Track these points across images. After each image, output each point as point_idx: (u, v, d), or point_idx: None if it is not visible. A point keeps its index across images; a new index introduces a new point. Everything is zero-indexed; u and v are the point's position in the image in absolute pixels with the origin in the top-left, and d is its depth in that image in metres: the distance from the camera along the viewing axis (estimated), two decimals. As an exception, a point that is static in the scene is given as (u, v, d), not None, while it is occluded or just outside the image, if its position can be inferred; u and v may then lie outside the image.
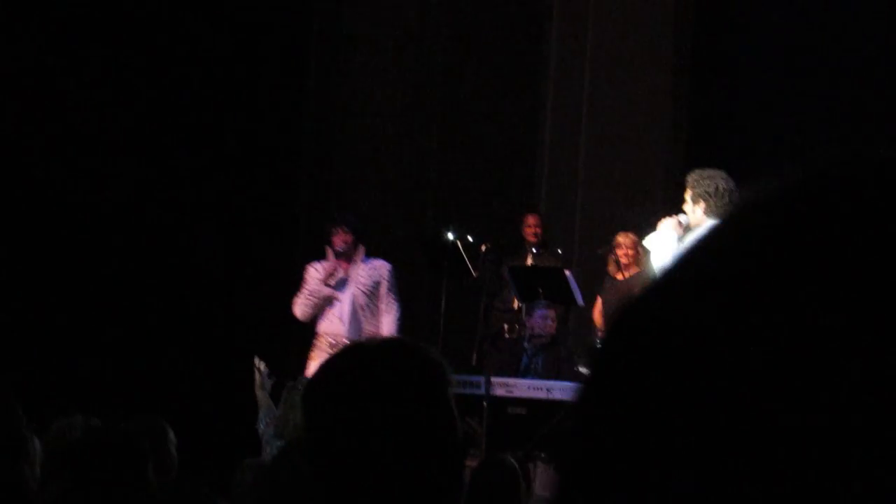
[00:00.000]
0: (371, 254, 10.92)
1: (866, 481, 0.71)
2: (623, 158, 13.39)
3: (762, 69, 13.07)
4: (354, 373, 2.37)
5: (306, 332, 11.28)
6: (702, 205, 8.32)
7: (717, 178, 8.36)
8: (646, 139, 13.39)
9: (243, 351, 11.87)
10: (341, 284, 10.69)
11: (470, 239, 11.72)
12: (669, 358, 0.76)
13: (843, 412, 0.71)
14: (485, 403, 10.33)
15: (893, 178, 0.79)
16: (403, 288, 11.06)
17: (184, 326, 12.37)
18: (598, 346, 0.84)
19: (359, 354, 2.45)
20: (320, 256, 11.12)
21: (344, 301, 10.66)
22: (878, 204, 0.77)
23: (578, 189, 13.63)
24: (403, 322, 10.86)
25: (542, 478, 10.33)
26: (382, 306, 10.74)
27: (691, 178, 8.48)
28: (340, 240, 10.64)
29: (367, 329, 10.59)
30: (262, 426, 8.50)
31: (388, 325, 10.70)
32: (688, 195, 8.44)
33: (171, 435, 6.21)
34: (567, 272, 11.33)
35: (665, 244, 8.40)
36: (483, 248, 11.66)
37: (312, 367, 10.10)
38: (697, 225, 8.33)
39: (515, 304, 11.88)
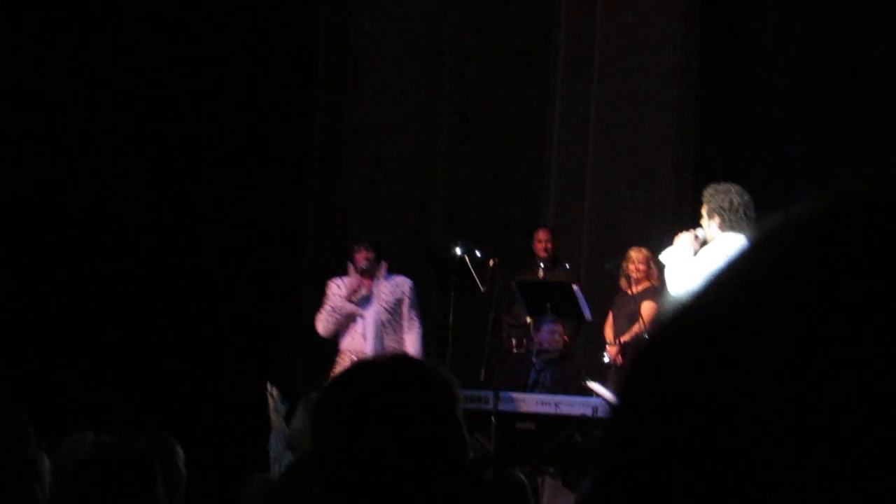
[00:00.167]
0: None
1: None
2: (631, 173, 13.39)
3: (771, 80, 13.06)
4: (363, 389, 2.37)
5: (318, 347, 11.30)
6: (716, 219, 8.32)
7: (731, 193, 8.34)
8: (654, 154, 13.39)
9: (253, 368, 11.89)
10: (364, 301, 10.75)
11: (478, 254, 11.73)
12: (699, 390, 0.75)
13: (885, 452, 0.70)
14: (493, 419, 10.33)
15: None
16: (411, 303, 11.10)
17: (192, 341, 12.38)
18: (623, 373, 0.83)
19: (367, 371, 2.45)
20: (328, 272, 11.14)
21: (367, 318, 10.72)
22: None
23: (586, 204, 13.63)
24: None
25: (550, 493, 10.33)
26: (405, 324, 10.79)
27: (706, 192, 8.48)
28: (363, 257, 10.70)
29: (389, 345, 10.63)
30: (272, 447, 8.51)
31: (412, 343, 10.76)
32: (703, 210, 8.44)
33: (180, 451, 6.20)
34: (575, 287, 11.34)
35: (681, 258, 8.40)
36: (491, 262, 11.67)
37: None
38: (713, 239, 8.33)
39: (527, 320, 11.89)
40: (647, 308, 11.73)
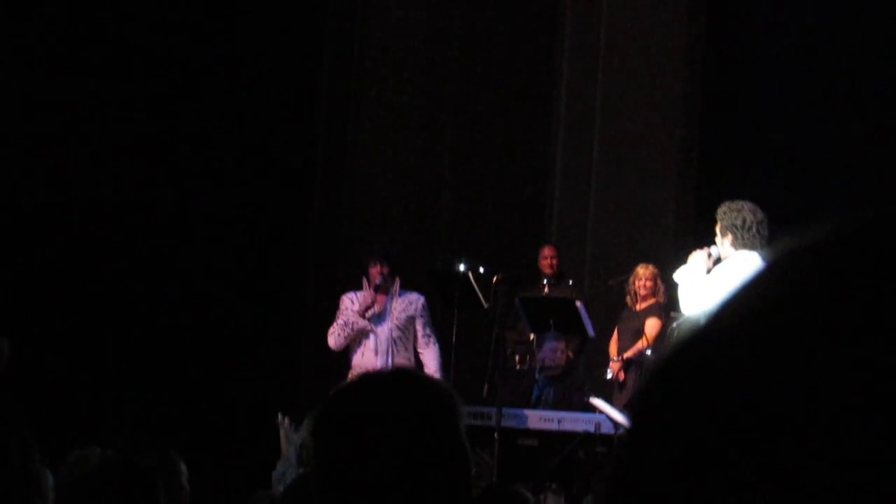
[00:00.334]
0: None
1: None
2: (634, 190, 13.41)
3: (773, 100, 13.08)
4: (365, 403, 2.35)
5: (324, 363, 11.31)
6: (729, 237, 8.28)
7: (744, 211, 8.28)
8: (657, 171, 13.41)
9: (258, 384, 11.89)
10: (377, 317, 10.76)
11: (481, 270, 11.74)
12: (713, 413, 0.75)
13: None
14: (496, 435, 10.34)
15: None
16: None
17: (197, 356, 12.38)
18: (637, 394, 0.83)
19: (370, 385, 2.43)
20: (331, 288, 11.15)
21: (379, 334, 10.72)
22: None
23: (589, 220, 13.65)
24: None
25: (553, 509, 10.32)
26: (421, 341, 10.80)
27: (720, 210, 8.42)
28: (377, 272, 10.71)
29: (400, 363, 10.62)
30: (277, 469, 8.51)
31: (431, 359, 10.75)
32: (717, 228, 8.42)
33: (183, 468, 6.21)
34: (578, 303, 11.35)
35: (694, 277, 8.36)
36: (495, 279, 11.67)
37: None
38: (727, 257, 8.30)
39: (531, 336, 11.90)
40: (650, 325, 11.73)
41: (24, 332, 11.84)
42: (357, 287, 11.10)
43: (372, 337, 10.73)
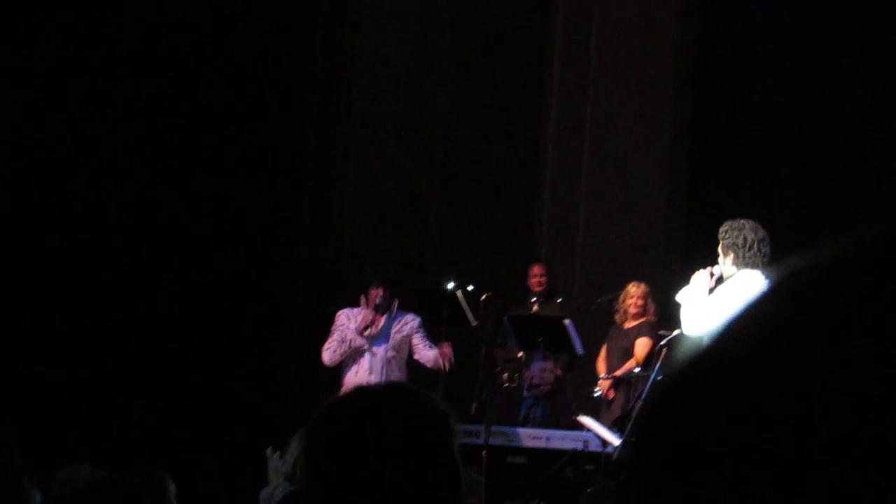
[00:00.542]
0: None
1: None
2: (623, 208, 13.43)
3: (763, 117, 13.11)
4: (358, 418, 2.33)
5: (311, 381, 11.30)
6: (731, 256, 8.24)
7: (745, 230, 8.24)
8: (645, 189, 13.43)
9: (247, 404, 11.88)
10: (374, 337, 10.81)
11: (470, 288, 11.75)
12: (717, 436, 0.76)
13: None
14: (484, 453, 10.33)
15: None
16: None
17: (186, 375, 12.36)
18: (641, 417, 0.83)
19: (363, 399, 2.41)
20: (320, 305, 11.16)
21: (376, 354, 10.76)
22: None
23: (579, 239, 13.66)
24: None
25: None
26: (420, 348, 10.87)
27: (721, 229, 8.37)
28: (377, 292, 10.76)
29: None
30: (264, 494, 8.51)
31: (431, 359, 10.82)
32: (719, 247, 8.38)
33: (172, 487, 6.20)
34: (567, 321, 11.36)
35: (696, 297, 8.31)
36: (483, 297, 11.68)
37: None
38: (729, 276, 8.27)
39: (519, 354, 11.91)
40: (641, 344, 11.73)
41: (10, 349, 11.83)
42: (349, 302, 11.13)
43: (367, 356, 10.78)
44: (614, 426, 10.78)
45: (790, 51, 13.04)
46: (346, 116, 13.54)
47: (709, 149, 13.42)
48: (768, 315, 0.79)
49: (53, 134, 12.38)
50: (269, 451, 9.12)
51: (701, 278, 8.34)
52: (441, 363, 10.82)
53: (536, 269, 12.50)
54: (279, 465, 8.93)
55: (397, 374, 10.82)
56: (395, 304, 10.92)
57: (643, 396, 10.05)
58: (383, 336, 10.84)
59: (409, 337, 10.88)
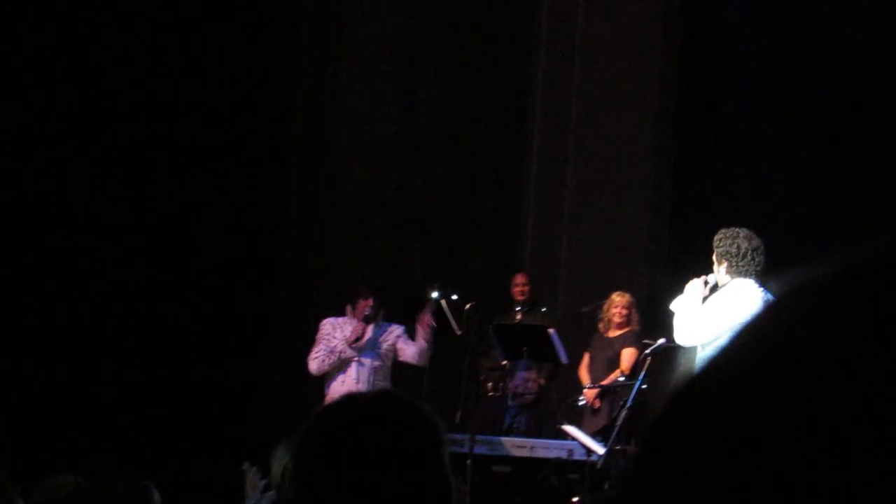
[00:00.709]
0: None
1: None
2: (607, 218, 13.44)
3: (747, 129, 13.14)
4: (349, 426, 2.32)
5: (293, 392, 11.28)
6: (724, 265, 8.18)
7: (738, 238, 8.20)
8: (630, 197, 13.44)
9: (230, 412, 11.86)
10: (363, 347, 10.83)
11: (454, 297, 11.76)
12: (722, 451, 0.76)
13: None
14: (468, 462, 10.33)
15: None
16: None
17: (170, 383, 12.34)
18: (648, 432, 0.84)
19: (354, 407, 2.39)
20: (302, 316, 11.16)
21: (364, 364, 10.78)
22: None
23: (562, 247, 13.67)
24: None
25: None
26: (401, 346, 10.87)
27: (716, 237, 8.32)
28: (367, 303, 10.78)
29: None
30: (250, 501, 8.49)
31: (416, 352, 10.83)
32: (713, 255, 8.31)
33: (157, 496, 6.19)
34: (551, 331, 11.36)
35: (690, 306, 8.25)
36: (468, 306, 11.69)
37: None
38: (723, 285, 8.22)
39: (503, 363, 11.92)
40: (626, 354, 11.74)
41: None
42: (333, 312, 11.14)
43: (355, 365, 10.80)
44: (598, 435, 10.78)
45: (776, 63, 13.07)
46: (331, 127, 13.54)
47: (693, 158, 13.44)
48: (774, 329, 0.80)
49: (35, 133, 12.34)
50: (246, 465, 9.11)
51: (695, 287, 8.28)
52: (423, 347, 10.83)
53: (519, 279, 12.51)
54: (256, 480, 8.92)
55: (384, 384, 10.84)
56: (382, 313, 10.95)
57: (628, 405, 10.06)
58: (371, 346, 10.86)
59: (393, 346, 10.91)
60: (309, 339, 11.08)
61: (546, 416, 11.59)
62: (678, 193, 13.48)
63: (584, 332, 12.20)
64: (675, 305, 8.39)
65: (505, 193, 13.83)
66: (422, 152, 13.71)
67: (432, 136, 13.73)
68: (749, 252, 8.14)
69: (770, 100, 13.02)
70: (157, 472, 6.85)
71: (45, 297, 12.25)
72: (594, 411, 11.67)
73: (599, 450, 10.13)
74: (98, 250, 12.43)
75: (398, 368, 11.31)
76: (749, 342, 0.81)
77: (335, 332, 10.87)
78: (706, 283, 8.28)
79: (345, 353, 10.82)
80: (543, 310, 12.50)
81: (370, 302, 10.82)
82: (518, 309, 12.35)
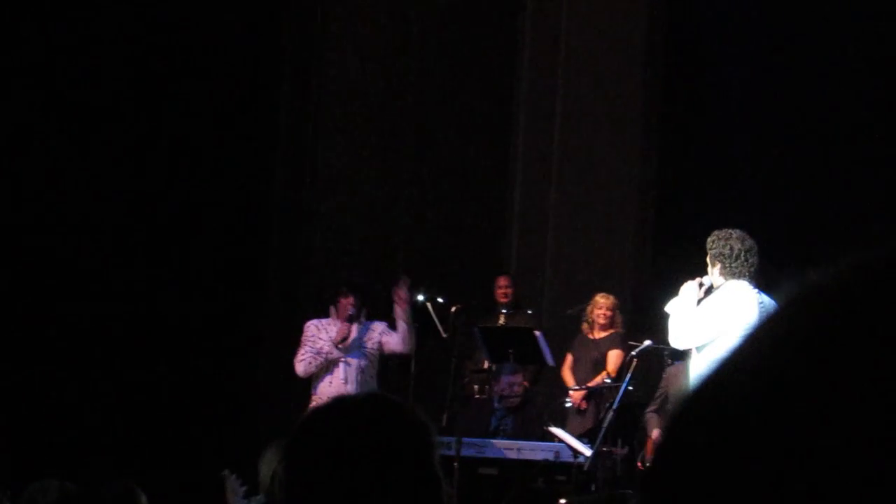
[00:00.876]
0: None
1: None
2: (592, 220, 13.46)
3: (732, 131, 13.16)
4: (339, 429, 2.30)
5: (281, 390, 11.27)
6: (718, 266, 8.10)
7: (731, 240, 8.12)
8: (614, 201, 13.46)
9: (216, 415, 11.85)
10: (348, 347, 10.84)
11: (440, 300, 11.77)
12: (731, 463, 0.77)
13: None
14: (455, 464, 10.33)
15: None
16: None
17: (155, 387, 12.33)
18: (659, 444, 0.84)
19: (343, 410, 2.39)
20: (289, 319, 11.16)
21: (351, 364, 10.80)
22: None
23: (548, 250, 13.69)
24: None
25: (513, 538, 10.31)
26: (390, 339, 10.88)
27: (709, 239, 8.24)
28: (350, 303, 10.79)
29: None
30: None
31: (399, 338, 10.83)
32: (707, 257, 8.22)
33: (144, 499, 6.19)
34: (537, 333, 11.38)
35: (685, 308, 8.16)
36: (453, 309, 11.70)
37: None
38: (718, 287, 8.15)
39: (485, 365, 11.93)
40: (613, 356, 11.76)
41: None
42: (318, 314, 11.15)
43: (342, 366, 10.82)
44: (584, 436, 10.80)
45: (762, 63, 13.09)
46: (317, 127, 13.54)
47: (678, 161, 13.46)
48: (780, 336, 0.80)
49: (19, 135, 12.33)
50: (225, 472, 9.11)
51: (690, 289, 8.18)
52: (405, 329, 10.83)
53: (502, 281, 12.52)
54: (236, 486, 8.92)
55: (372, 384, 10.86)
56: (364, 313, 10.97)
57: (614, 407, 10.07)
58: (356, 345, 10.87)
59: (378, 342, 10.92)
60: (296, 342, 11.08)
61: (532, 418, 11.60)
62: (663, 196, 13.50)
63: (569, 335, 12.21)
64: (671, 307, 8.31)
65: (490, 196, 13.84)
66: (407, 156, 13.71)
67: (417, 139, 13.73)
68: (742, 253, 8.07)
69: (756, 100, 13.05)
70: (144, 476, 6.85)
71: (26, 304, 12.22)
72: (580, 412, 11.69)
73: (586, 451, 10.14)
74: (80, 255, 12.40)
75: (384, 371, 11.32)
76: (761, 345, 0.81)
77: (320, 334, 10.88)
78: (701, 284, 8.19)
79: (331, 354, 10.83)
80: (529, 312, 12.51)
81: (351, 300, 10.83)
82: (502, 311, 12.36)
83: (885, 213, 11.37)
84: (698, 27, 13.63)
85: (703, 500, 0.78)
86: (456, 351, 11.63)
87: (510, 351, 11.31)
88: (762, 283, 8.01)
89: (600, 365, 11.79)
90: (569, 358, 12.02)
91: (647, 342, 10.38)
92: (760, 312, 7.71)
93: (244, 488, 8.70)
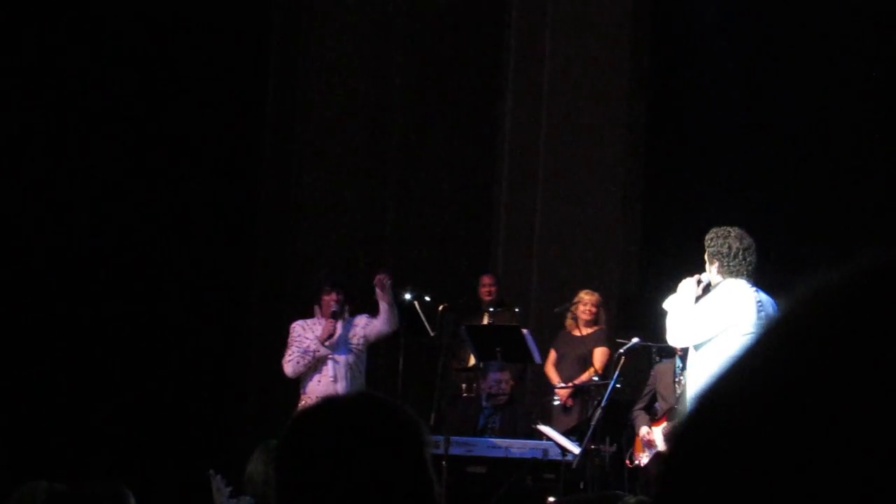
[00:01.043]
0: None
1: None
2: (579, 218, 13.47)
3: (716, 128, 13.19)
4: (329, 429, 2.31)
5: (268, 389, 11.26)
6: (716, 264, 8.04)
7: (730, 238, 8.05)
8: (600, 200, 13.48)
9: (203, 416, 11.84)
10: (335, 345, 10.85)
11: (427, 299, 11.77)
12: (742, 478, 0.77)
13: None
14: (444, 463, 10.33)
15: None
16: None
17: (143, 388, 12.32)
18: (666, 457, 0.83)
19: (334, 411, 2.38)
20: (275, 319, 11.15)
21: (338, 361, 10.81)
22: None
23: (535, 248, 13.70)
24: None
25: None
26: (373, 325, 10.90)
27: (707, 236, 8.17)
28: (333, 300, 10.81)
29: (356, 389, 10.69)
30: None
31: (382, 314, 10.85)
32: (705, 254, 8.16)
33: (132, 501, 6.17)
34: (524, 331, 11.38)
35: (682, 305, 8.12)
36: (440, 308, 11.70)
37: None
38: (715, 285, 8.10)
39: (470, 363, 11.93)
40: (599, 353, 11.77)
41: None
42: (303, 315, 11.14)
43: (330, 363, 10.83)
44: (571, 433, 10.80)
45: (747, 61, 13.12)
46: (302, 128, 13.53)
47: (664, 159, 13.49)
48: (791, 339, 0.80)
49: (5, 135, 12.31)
50: (211, 471, 9.10)
51: (688, 286, 8.12)
52: (387, 309, 10.85)
53: (486, 280, 12.54)
54: (221, 486, 8.91)
55: (361, 380, 10.86)
56: (347, 309, 10.97)
57: (602, 404, 10.07)
58: (342, 342, 10.87)
59: (364, 336, 10.93)
60: (281, 341, 11.07)
61: (520, 417, 11.60)
62: (650, 193, 13.52)
63: (556, 333, 12.22)
64: (668, 304, 8.24)
65: (477, 195, 13.85)
66: (393, 156, 13.71)
67: (403, 139, 13.73)
68: (740, 252, 8.00)
69: (742, 98, 13.07)
70: (132, 476, 6.83)
71: (9, 306, 12.20)
72: (566, 409, 11.70)
73: (575, 449, 10.14)
74: (66, 255, 12.39)
75: (371, 370, 11.31)
76: (771, 348, 0.80)
77: (306, 333, 10.89)
78: (699, 282, 8.14)
79: (318, 352, 10.84)
80: (517, 310, 12.52)
81: (334, 297, 10.84)
82: (486, 310, 12.37)
83: (867, 212, 11.40)
84: (683, 29, 13.65)
85: (715, 501, 0.77)
86: (443, 349, 11.64)
87: (497, 349, 11.32)
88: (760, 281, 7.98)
89: (587, 362, 11.80)
90: (552, 354, 12.02)
91: (635, 339, 10.39)
92: (758, 311, 7.69)
93: (230, 488, 8.69)
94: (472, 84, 13.90)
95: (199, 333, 12.60)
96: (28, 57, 12.34)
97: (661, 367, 10.83)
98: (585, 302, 11.89)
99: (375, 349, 12.13)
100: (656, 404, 10.80)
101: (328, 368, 10.83)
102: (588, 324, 11.88)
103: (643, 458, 10.62)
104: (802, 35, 12.78)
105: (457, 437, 10.73)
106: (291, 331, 10.97)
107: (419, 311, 11.63)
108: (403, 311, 11.52)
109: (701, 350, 7.91)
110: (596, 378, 11.50)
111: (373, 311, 11.14)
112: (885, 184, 11.89)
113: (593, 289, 12.09)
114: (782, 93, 12.83)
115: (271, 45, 13.45)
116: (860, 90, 12.45)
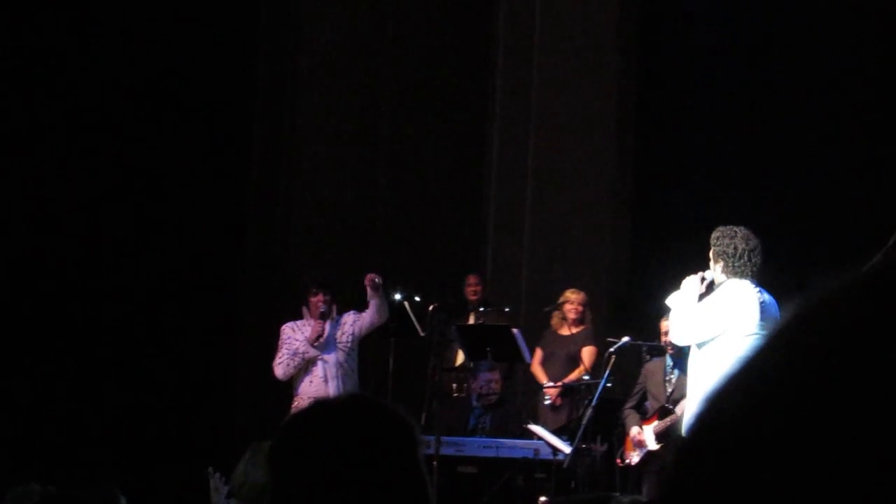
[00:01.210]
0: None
1: None
2: (569, 217, 13.47)
3: (706, 128, 13.20)
4: (322, 432, 2.30)
5: (259, 391, 11.26)
6: (721, 264, 7.95)
7: (736, 238, 7.94)
8: (590, 199, 13.48)
9: (196, 415, 11.83)
10: (324, 345, 10.88)
11: (417, 299, 11.78)
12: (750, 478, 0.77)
13: None
14: (434, 463, 10.34)
15: None
16: (352, 349, 11.16)
17: (136, 389, 12.31)
18: (667, 468, 0.84)
19: (326, 413, 2.38)
20: (265, 319, 11.18)
21: (329, 361, 10.84)
22: None
23: (524, 248, 13.70)
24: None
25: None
26: (361, 319, 10.96)
27: (713, 235, 8.06)
28: (321, 301, 10.84)
29: (349, 388, 10.74)
30: None
31: (371, 307, 10.88)
32: (710, 252, 8.06)
33: (123, 501, 6.17)
34: (515, 330, 11.38)
35: (686, 303, 8.07)
36: (430, 308, 11.71)
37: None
38: (719, 283, 7.98)
39: (456, 363, 11.95)
40: (587, 352, 11.77)
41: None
42: (293, 316, 11.16)
43: (320, 364, 10.86)
44: (562, 432, 10.81)
45: (737, 60, 13.13)
46: (291, 126, 13.53)
47: (654, 158, 13.49)
48: (796, 344, 0.80)
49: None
50: (209, 470, 9.10)
51: (691, 284, 8.04)
52: (376, 302, 10.89)
53: (471, 279, 12.55)
54: (219, 485, 8.91)
55: (354, 378, 10.89)
56: (335, 309, 11.02)
57: (593, 404, 10.08)
58: (331, 342, 10.91)
59: (353, 334, 10.96)
60: (272, 342, 11.09)
61: (511, 416, 11.61)
62: (640, 193, 13.52)
63: (545, 332, 12.23)
64: (672, 301, 8.17)
65: (467, 194, 13.85)
66: (382, 156, 13.71)
67: (392, 138, 13.73)
68: (746, 253, 7.87)
69: (732, 98, 13.08)
70: (125, 477, 6.84)
71: (2, 306, 12.19)
72: (555, 408, 11.70)
73: (566, 449, 10.14)
74: (58, 257, 12.37)
75: (361, 372, 11.32)
76: (777, 353, 0.81)
77: (296, 335, 10.92)
78: (703, 279, 8.06)
79: (308, 353, 10.87)
80: (507, 309, 12.52)
81: (321, 297, 10.89)
82: (471, 310, 12.37)
83: (863, 212, 11.41)
84: (671, 25, 13.66)
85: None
86: (434, 349, 11.64)
87: (488, 349, 11.32)
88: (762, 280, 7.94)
89: (575, 360, 11.81)
90: (538, 353, 12.02)
91: (626, 339, 10.40)
92: (762, 311, 7.66)
93: (227, 487, 8.68)
94: (462, 83, 13.90)
95: (192, 333, 12.60)
96: (37, 58, 12.34)
97: (651, 366, 10.84)
98: (572, 301, 11.90)
99: (365, 349, 12.14)
100: (646, 403, 10.82)
101: (318, 369, 10.86)
102: (575, 323, 11.89)
103: (634, 457, 10.64)
104: (794, 33, 12.79)
105: (447, 437, 10.73)
106: (281, 333, 11.01)
107: (409, 311, 11.64)
108: (393, 312, 11.53)
109: (703, 349, 7.86)
110: (586, 377, 11.51)
111: (361, 309, 11.16)
112: (883, 184, 11.89)
113: (583, 288, 12.09)
114: (773, 92, 12.85)
115: (259, 42, 13.44)
116: (854, 89, 12.46)
